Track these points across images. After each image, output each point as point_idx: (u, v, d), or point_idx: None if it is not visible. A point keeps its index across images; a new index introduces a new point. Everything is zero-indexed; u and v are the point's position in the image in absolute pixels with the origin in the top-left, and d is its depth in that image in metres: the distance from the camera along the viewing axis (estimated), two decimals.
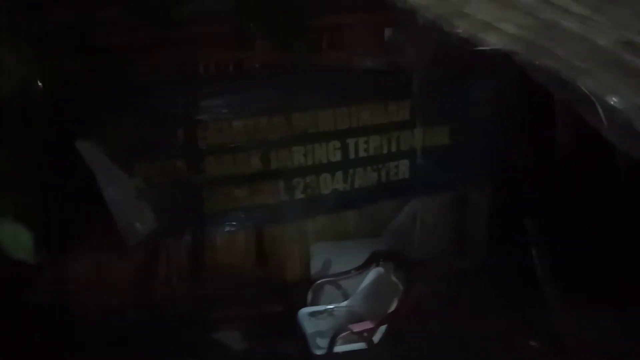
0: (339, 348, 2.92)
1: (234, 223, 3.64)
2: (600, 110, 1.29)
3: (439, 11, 1.34)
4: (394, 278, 3.14)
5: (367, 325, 2.91)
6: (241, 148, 3.51)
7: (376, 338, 2.97)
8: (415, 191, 4.01)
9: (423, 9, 1.35)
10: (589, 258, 3.53)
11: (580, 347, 3.18)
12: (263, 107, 3.49)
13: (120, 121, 3.13)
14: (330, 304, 3.31)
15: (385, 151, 3.88)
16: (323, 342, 2.96)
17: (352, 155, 3.80)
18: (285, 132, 3.59)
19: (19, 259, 2.07)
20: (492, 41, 1.32)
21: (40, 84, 2.62)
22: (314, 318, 3.19)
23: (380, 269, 3.28)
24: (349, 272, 3.36)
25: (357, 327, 2.89)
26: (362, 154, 3.83)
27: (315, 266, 3.81)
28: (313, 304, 3.29)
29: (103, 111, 3.11)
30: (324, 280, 3.40)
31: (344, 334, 2.88)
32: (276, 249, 3.83)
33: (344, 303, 3.32)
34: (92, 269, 3.43)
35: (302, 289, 3.38)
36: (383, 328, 2.98)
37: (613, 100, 1.30)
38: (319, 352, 2.94)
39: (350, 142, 3.77)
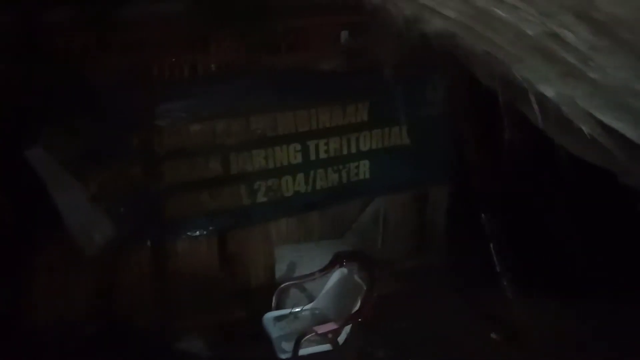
0: (304, 351, 2.91)
1: (196, 229, 3.58)
2: (533, 100, 1.37)
3: None
4: (357, 278, 3.16)
5: (331, 326, 2.92)
6: (200, 152, 3.46)
7: (341, 339, 2.98)
8: (377, 191, 4.06)
9: None
10: (545, 251, 3.67)
11: (538, 338, 3.30)
12: (221, 110, 3.45)
13: (73, 127, 3.03)
14: (295, 307, 3.30)
15: (345, 152, 3.91)
16: (288, 346, 2.94)
17: (312, 157, 3.81)
18: (245, 135, 3.56)
19: None
20: (436, 23, 1.41)
21: None
22: (279, 322, 3.16)
23: (344, 270, 3.29)
24: (313, 274, 3.36)
25: (321, 329, 2.89)
26: (322, 155, 3.84)
27: (280, 270, 3.79)
28: (278, 307, 3.27)
29: (54, 117, 3.01)
30: (288, 283, 3.38)
31: (308, 336, 2.88)
32: (240, 254, 3.79)
33: (309, 305, 3.31)
34: (48, 280, 3.29)
35: (268, 293, 3.35)
36: (348, 328, 2.99)
37: (543, 88, 1.40)
38: (284, 356, 2.93)
39: (311, 144, 3.78)
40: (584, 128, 1.70)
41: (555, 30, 1.33)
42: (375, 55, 3.38)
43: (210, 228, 3.62)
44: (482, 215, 3.52)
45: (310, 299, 3.39)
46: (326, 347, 2.96)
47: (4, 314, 3.16)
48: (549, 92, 1.45)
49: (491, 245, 3.47)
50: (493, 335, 3.45)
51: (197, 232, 3.59)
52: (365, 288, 3.05)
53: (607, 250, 3.57)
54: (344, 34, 3.61)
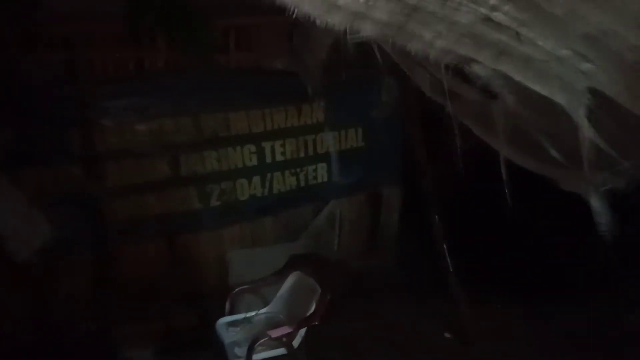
0: (258, 356, 2.83)
1: (143, 232, 3.43)
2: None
3: (311, 5, 1.35)
4: (311, 281, 3.11)
5: (285, 330, 2.84)
6: (147, 153, 3.32)
7: (296, 342, 2.91)
8: (334, 194, 4.04)
9: (294, 4, 1.34)
10: (495, 252, 3.73)
11: (484, 336, 3.35)
12: (170, 109, 3.34)
13: (4, 124, 2.85)
14: (249, 311, 3.21)
15: (302, 155, 3.87)
16: (241, 352, 2.85)
17: (268, 159, 3.75)
18: (195, 135, 3.45)
19: None
20: (367, 30, 1.40)
21: None
22: (232, 327, 3.06)
23: (298, 273, 3.22)
24: (267, 278, 3.28)
25: (275, 333, 2.81)
26: (279, 157, 3.78)
27: (234, 274, 3.69)
28: (231, 313, 3.17)
29: None
30: (242, 287, 3.28)
31: (262, 340, 2.79)
32: (191, 259, 3.66)
33: (264, 310, 3.22)
34: None
35: (221, 298, 3.24)
36: (303, 331, 2.93)
37: (477, 69, 1.48)
38: None
39: (266, 145, 3.71)
40: (510, 98, 1.79)
41: (486, 13, 1.41)
42: (322, 57, 3.38)
43: (159, 232, 3.48)
44: (434, 216, 3.54)
45: (265, 303, 3.30)
46: (280, 351, 2.88)
47: None
48: (482, 72, 1.55)
49: (443, 246, 3.49)
50: (447, 335, 3.48)
51: (145, 236, 3.44)
52: (319, 291, 3.00)
53: (555, 250, 3.68)
54: (294, 34, 3.58)
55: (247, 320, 3.14)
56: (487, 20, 1.42)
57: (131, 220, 3.35)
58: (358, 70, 3.64)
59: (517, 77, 1.53)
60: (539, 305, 3.58)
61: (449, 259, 3.44)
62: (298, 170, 3.89)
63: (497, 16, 1.41)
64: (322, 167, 3.99)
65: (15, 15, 2.64)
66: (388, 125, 3.99)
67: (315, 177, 3.98)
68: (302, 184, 3.93)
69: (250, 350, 2.78)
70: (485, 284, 3.43)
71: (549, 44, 1.48)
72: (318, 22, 1.36)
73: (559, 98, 1.59)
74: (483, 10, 1.40)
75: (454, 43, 1.46)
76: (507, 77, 1.54)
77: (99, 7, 2.84)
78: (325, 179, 4.01)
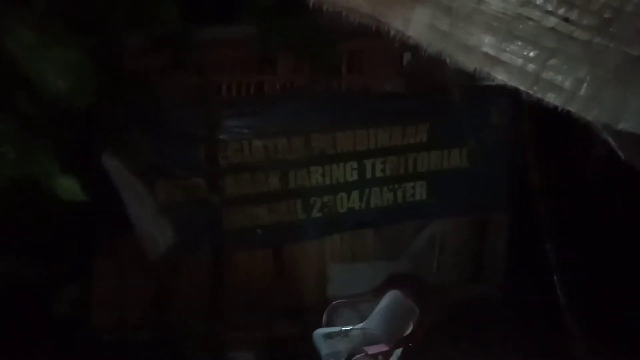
0: None
1: (253, 242, 3.67)
2: (610, 140, 1.28)
3: (442, 45, 1.30)
4: (410, 301, 3.12)
5: (382, 347, 2.90)
6: (260, 167, 3.56)
7: None
8: (432, 213, 3.99)
9: (425, 43, 1.30)
10: (613, 284, 3.43)
11: None
12: (282, 128, 3.55)
13: (143, 140, 3.23)
14: (346, 325, 3.29)
15: (402, 172, 3.89)
16: None
17: (368, 175, 3.82)
18: (304, 152, 3.63)
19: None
20: (498, 77, 1.30)
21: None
22: (329, 339, 3.16)
23: (397, 292, 3.26)
24: (365, 293, 3.35)
25: (372, 350, 2.88)
26: (378, 174, 3.84)
27: (333, 287, 3.81)
28: (328, 325, 3.28)
29: (127, 130, 3.21)
30: (340, 301, 3.39)
31: (358, 356, 2.87)
32: (294, 270, 3.84)
33: (360, 325, 3.29)
34: (111, 283, 3.47)
35: (319, 309, 3.36)
36: (398, 351, 2.95)
37: (622, 125, 1.30)
38: None
39: (368, 162, 3.79)
40: None
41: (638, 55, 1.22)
42: (436, 78, 3.37)
43: (266, 241, 3.70)
44: (546, 244, 3.35)
45: (361, 318, 3.37)
46: None
47: (68, 314, 3.31)
48: (627, 127, 1.30)
49: (554, 277, 3.29)
50: None
51: (253, 245, 3.68)
52: (418, 312, 3.00)
53: None
54: (407, 57, 3.62)
55: (343, 333, 3.22)
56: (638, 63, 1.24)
57: (243, 229, 3.60)
58: (467, 91, 3.60)
59: None
60: None
61: (560, 292, 3.23)
62: (396, 186, 3.91)
63: None
64: (420, 185, 3.96)
65: (168, 44, 2.98)
66: (497, 148, 3.86)
67: (413, 195, 3.97)
68: (400, 200, 3.95)
69: None
70: (605, 322, 3.16)
71: None
72: (449, 62, 1.31)
73: None
74: (635, 52, 1.22)
75: (600, 89, 1.28)
76: None
77: (227, 35, 3.13)
78: (424, 197, 3.98)
